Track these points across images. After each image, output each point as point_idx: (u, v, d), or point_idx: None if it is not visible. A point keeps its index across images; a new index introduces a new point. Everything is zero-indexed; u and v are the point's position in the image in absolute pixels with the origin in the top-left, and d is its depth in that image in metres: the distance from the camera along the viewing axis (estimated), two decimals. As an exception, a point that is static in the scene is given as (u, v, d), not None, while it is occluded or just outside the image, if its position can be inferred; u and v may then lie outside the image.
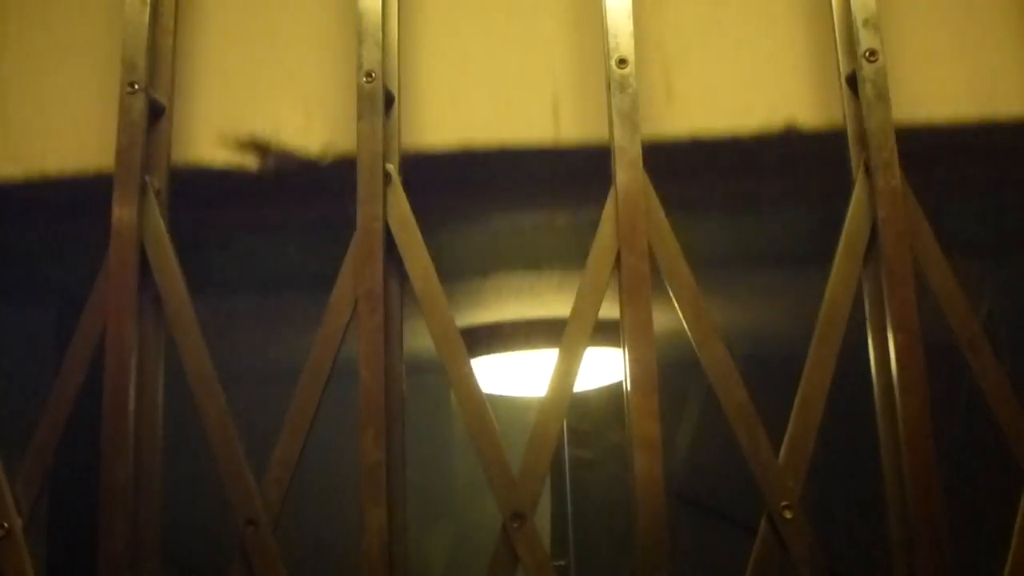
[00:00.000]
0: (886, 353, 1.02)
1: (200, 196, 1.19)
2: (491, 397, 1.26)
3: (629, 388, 1.02)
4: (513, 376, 2.15)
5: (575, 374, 1.05)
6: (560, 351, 1.05)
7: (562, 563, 2.54)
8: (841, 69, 1.11)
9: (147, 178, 1.12)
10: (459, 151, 1.17)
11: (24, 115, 1.22)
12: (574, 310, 1.06)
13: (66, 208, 1.26)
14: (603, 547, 2.52)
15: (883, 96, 1.06)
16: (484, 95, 1.18)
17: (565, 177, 1.23)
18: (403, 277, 1.07)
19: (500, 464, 1.01)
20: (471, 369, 1.04)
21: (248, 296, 1.83)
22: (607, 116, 1.08)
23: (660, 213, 1.06)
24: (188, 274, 1.10)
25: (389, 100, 1.11)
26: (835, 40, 1.11)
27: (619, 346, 1.05)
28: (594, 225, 1.07)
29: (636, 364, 1.02)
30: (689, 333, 1.04)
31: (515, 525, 1.00)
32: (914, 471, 0.98)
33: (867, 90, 1.06)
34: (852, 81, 1.09)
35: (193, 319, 1.09)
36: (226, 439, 1.05)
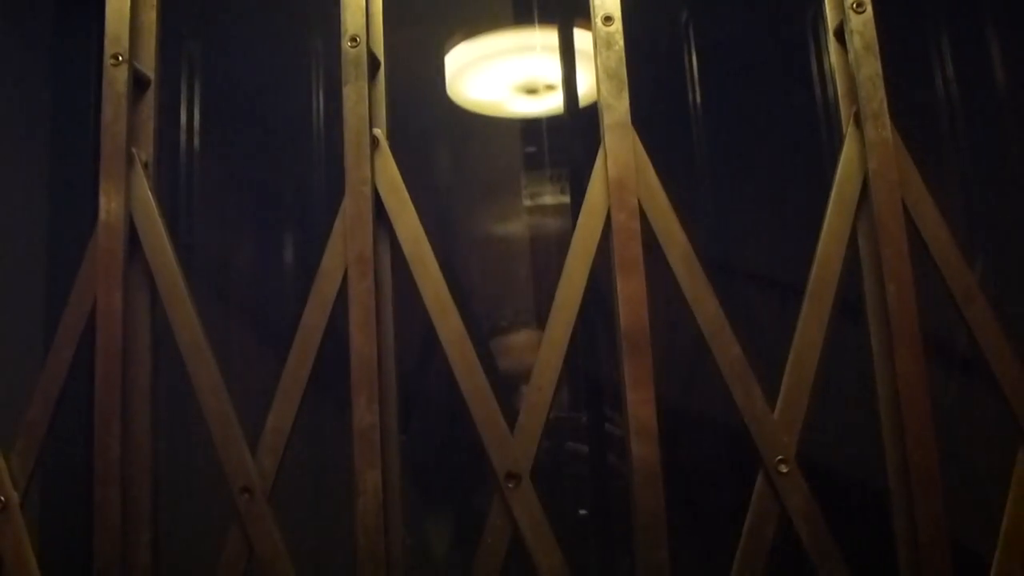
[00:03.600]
0: (882, 306, 1.01)
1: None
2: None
3: (623, 372, 1.00)
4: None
5: (566, 340, 1.04)
6: (552, 312, 1.04)
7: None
8: (829, 22, 1.10)
9: (134, 150, 1.11)
10: None
11: None
12: (565, 271, 1.05)
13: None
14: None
15: (871, 47, 1.05)
16: None
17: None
18: (393, 241, 1.07)
19: (494, 423, 1.00)
20: (463, 330, 1.03)
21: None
22: (594, 74, 1.07)
23: (651, 171, 1.06)
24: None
25: (375, 65, 1.11)
26: (822, -6, 1.11)
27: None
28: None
29: (629, 336, 1.00)
30: (683, 290, 1.03)
31: (510, 486, 1.00)
32: (911, 421, 0.97)
33: (855, 41, 1.05)
34: (840, 34, 1.08)
35: (184, 290, 1.08)
36: (219, 409, 1.05)
